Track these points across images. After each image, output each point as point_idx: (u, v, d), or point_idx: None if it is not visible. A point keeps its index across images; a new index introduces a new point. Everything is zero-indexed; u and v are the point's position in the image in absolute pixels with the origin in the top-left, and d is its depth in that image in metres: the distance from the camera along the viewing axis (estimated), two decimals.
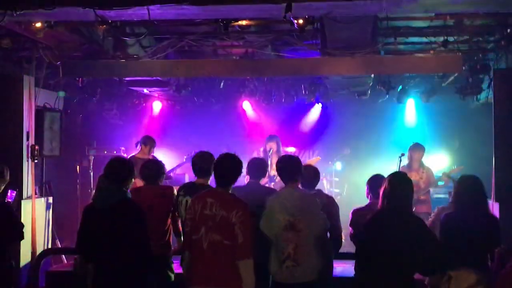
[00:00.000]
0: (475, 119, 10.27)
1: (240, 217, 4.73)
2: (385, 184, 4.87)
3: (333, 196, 9.58)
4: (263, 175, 6.36)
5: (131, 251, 4.96)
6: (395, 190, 4.79)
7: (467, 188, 5.22)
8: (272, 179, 8.50)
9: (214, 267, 4.76)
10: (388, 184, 4.83)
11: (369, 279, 4.80)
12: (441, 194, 9.78)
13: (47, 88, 9.19)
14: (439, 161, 10.95)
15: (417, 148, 9.07)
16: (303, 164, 5.69)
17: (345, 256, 6.39)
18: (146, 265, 5.11)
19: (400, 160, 8.34)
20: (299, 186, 5.56)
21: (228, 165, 5.00)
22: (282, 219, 5.23)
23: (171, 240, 6.34)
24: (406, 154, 8.84)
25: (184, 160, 9.43)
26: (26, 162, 8.18)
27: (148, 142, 9.21)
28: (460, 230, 5.05)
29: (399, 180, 4.92)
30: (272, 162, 8.64)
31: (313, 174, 6.01)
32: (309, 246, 5.25)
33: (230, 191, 5.01)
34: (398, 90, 10.60)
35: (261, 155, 8.70)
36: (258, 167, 6.15)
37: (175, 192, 6.14)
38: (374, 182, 5.78)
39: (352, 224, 5.81)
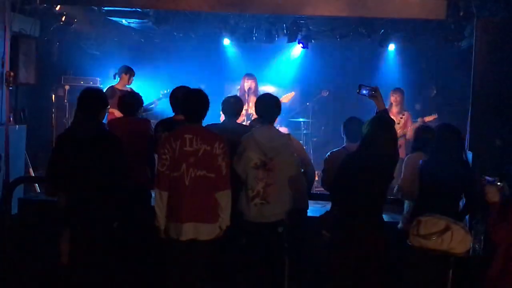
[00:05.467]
0: (454, 68, 10.28)
1: (222, 149, 4.90)
2: (367, 128, 4.92)
3: (309, 138, 9.69)
4: (239, 114, 6.26)
5: (109, 181, 4.98)
6: (375, 135, 4.85)
7: (446, 137, 5.27)
8: (248, 117, 8.46)
9: (197, 202, 4.88)
10: (369, 129, 4.89)
11: (341, 216, 4.94)
12: None
13: (23, 14, 8.92)
14: (414, 109, 11.01)
15: (396, 92, 9.14)
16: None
17: (319, 197, 6.47)
18: (123, 195, 5.15)
19: None
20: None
21: (197, 100, 5.06)
22: (254, 157, 5.25)
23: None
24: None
25: (161, 95, 9.30)
26: (0, 89, 8.02)
27: (128, 71, 9.17)
28: (435, 177, 5.13)
29: (380, 124, 4.96)
30: (250, 100, 8.59)
31: None
32: (280, 185, 5.30)
33: None
34: (380, 33, 10.52)
35: (238, 93, 8.61)
36: (234, 105, 6.09)
37: (152, 126, 6.11)
38: (350, 124, 5.82)
39: (326, 164, 5.83)
